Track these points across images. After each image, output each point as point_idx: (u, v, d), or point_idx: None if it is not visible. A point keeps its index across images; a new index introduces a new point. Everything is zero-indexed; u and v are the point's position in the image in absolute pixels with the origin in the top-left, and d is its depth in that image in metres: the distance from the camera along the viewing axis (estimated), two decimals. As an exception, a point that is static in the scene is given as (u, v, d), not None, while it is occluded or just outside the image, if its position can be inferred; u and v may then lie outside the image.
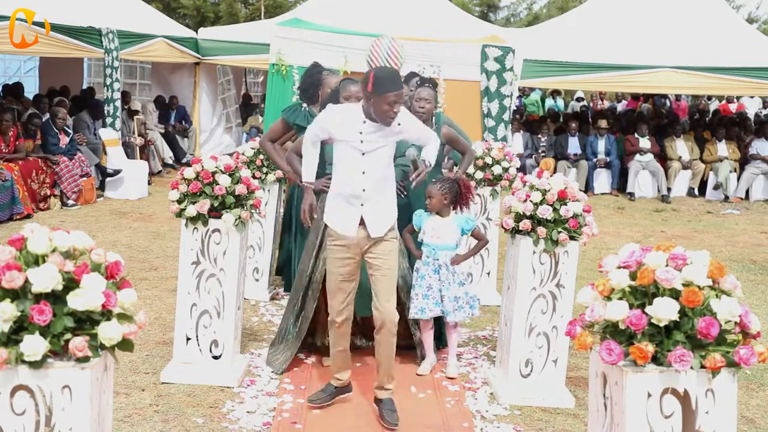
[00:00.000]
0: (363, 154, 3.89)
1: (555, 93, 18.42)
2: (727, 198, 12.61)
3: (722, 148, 13.11)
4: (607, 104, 17.87)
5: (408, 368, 4.86)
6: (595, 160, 12.87)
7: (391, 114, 3.81)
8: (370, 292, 4.13)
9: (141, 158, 11.66)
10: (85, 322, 2.26)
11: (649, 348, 2.40)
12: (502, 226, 4.48)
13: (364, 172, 3.91)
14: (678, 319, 2.41)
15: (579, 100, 18.92)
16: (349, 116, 3.93)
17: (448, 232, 4.74)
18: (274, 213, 6.37)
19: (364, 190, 3.92)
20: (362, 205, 3.95)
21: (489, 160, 6.29)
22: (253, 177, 5.74)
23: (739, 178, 12.79)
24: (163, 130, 13.11)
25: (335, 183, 4.03)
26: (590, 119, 14.18)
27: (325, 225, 4.15)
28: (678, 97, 17.26)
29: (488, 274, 6.50)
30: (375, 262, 4.01)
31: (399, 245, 4.27)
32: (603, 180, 12.98)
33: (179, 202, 4.40)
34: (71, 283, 2.27)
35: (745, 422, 4.27)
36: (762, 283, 7.38)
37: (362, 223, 3.98)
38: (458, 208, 4.81)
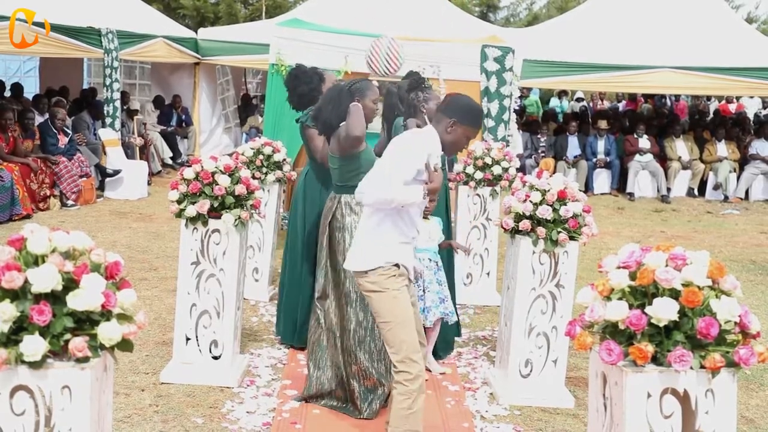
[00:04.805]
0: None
1: (562, 93, 18.34)
2: (726, 198, 12.60)
3: (722, 148, 13.11)
4: (607, 104, 17.85)
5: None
6: (594, 160, 12.87)
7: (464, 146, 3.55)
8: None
9: (141, 158, 11.66)
10: (85, 322, 2.26)
11: (649, 348, 2.40)
12: (502, 227, 4.48)
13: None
14: (678, 319, 2.41)
15: (579, 100, 18.89)
16: (436, 144, 3.47)
17: (436, 232, 4.83)
18: (274, 213, 6.37)
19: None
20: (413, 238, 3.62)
21: (489, 160, 6.29)
22: (253, 177, 5.72)
23: (738, 178, 12.80)
24: (159, 130, 13.09)
25: (400, 224, 3.47)
26: (590, 119, 14.18)
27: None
28: (677, 98, 17.24)
29: (488, 274, 6.50)
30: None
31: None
32: (603, 180, 12.97)
33: (179, 202, 4.40)
34: (71, 283, 2.27)
35: (745, 422, 4.27)
36: (762, 283, 7.38)
37: None
38: None
